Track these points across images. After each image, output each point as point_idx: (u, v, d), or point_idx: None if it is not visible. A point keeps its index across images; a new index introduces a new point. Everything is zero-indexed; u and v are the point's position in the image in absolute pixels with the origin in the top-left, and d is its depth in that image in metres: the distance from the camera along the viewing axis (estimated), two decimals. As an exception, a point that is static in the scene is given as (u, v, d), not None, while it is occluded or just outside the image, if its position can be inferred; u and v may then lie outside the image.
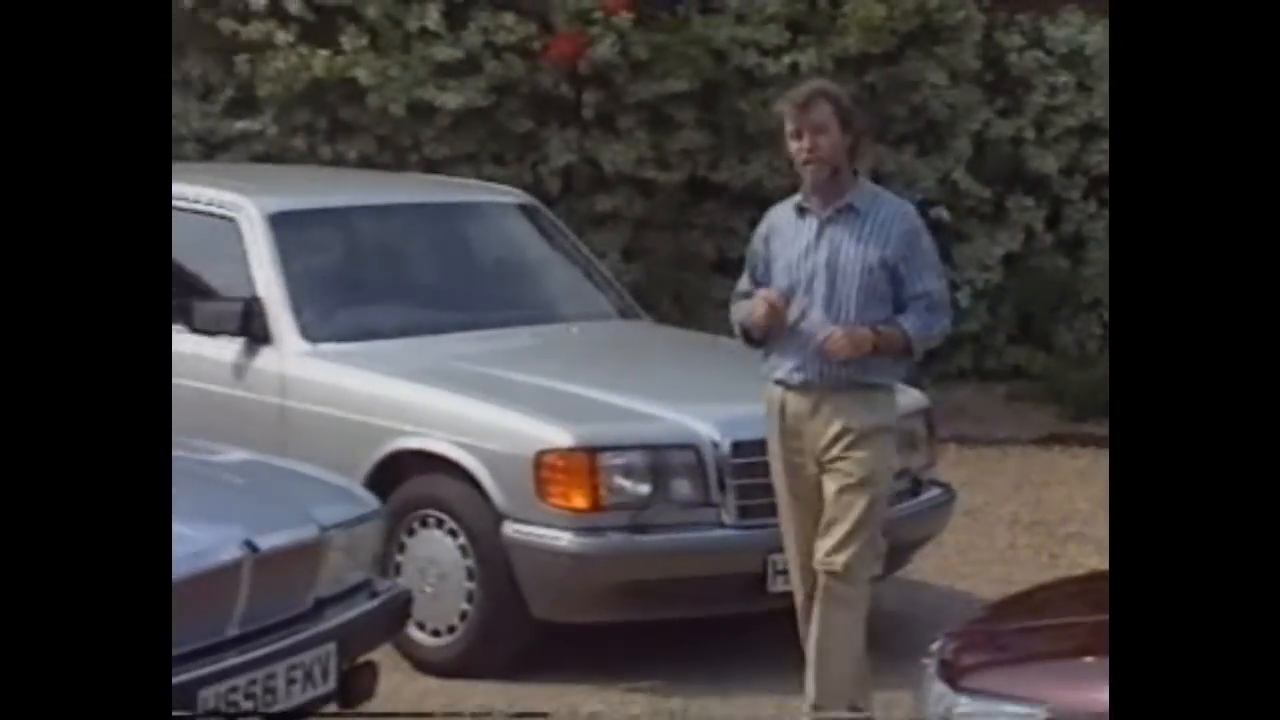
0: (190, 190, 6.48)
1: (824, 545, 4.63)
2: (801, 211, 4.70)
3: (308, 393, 5.85)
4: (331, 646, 4.38)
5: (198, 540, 4.20)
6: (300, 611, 4.38)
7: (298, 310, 6.00)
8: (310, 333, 5.97)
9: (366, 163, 8.53)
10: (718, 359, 6.67)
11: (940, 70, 9.01)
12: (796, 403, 4.67)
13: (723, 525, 5.52)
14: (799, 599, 4.82)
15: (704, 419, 5.56)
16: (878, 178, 8.93)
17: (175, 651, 4.03)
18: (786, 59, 8.58)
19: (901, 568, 6.05)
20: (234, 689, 4.12)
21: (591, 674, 5.48)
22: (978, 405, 9.15)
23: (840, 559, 4.61)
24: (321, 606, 4.45)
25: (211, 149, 8.67)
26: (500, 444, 5.46)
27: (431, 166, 8.46)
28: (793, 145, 4.63)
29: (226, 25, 8.55)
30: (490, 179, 8.04)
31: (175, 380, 6.00)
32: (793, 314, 4.64)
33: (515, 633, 5.50)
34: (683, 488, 5.55)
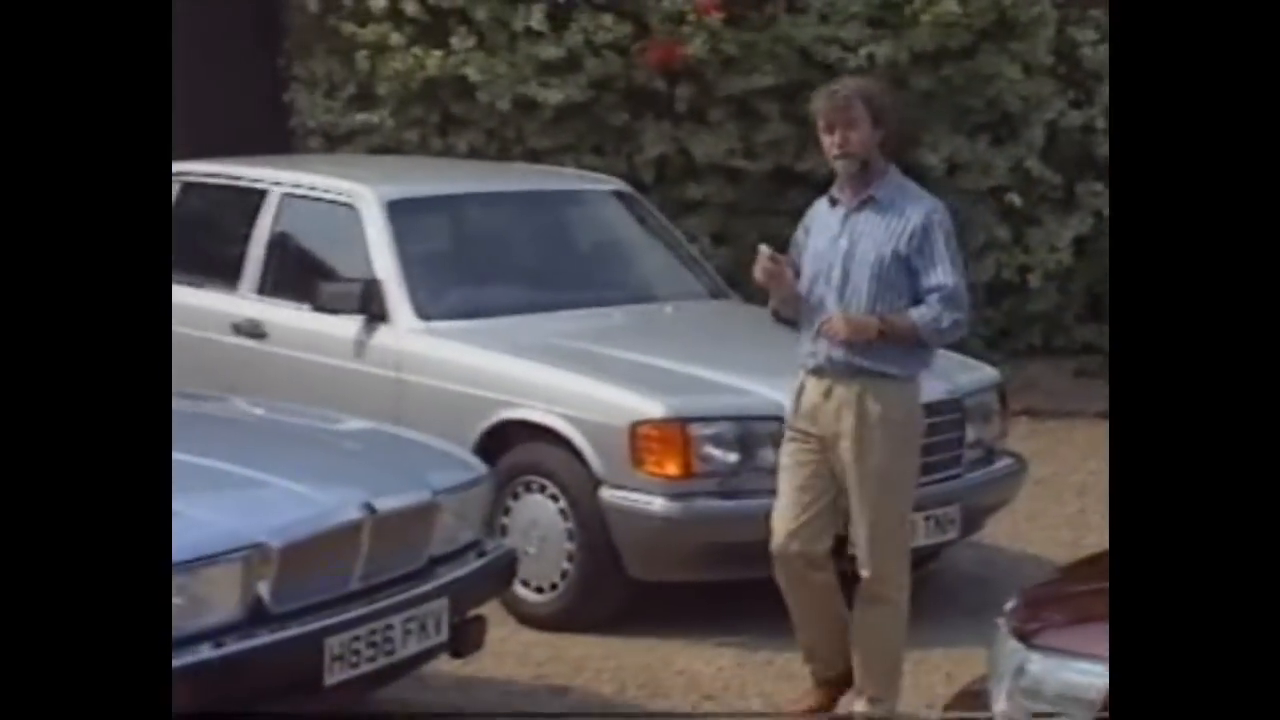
0: (315, 179, 6.57)
1: (862, 549, 4.51)
2: (833, 203, 4.60)
3: (421, 367, 5.89)
4: (444, 601, 4.41)
5: (322, 502, 4.27)
6: (415, 569, 4.41)
7: (412, 290, 6.04)
8: (424, 311, 6.02)
9: (475, 154, 8.58)
10: (802, 336, 6.66)
11: (1014, 64, 8.92)
12: (813, 387, 4.54)
13: (801, 493, 5.50)
14: (776, 561, 4.64)
15: (779, 390, 5.54)
16: (953, 166, 8.92)
17: (303, 603, 4.11)
18: (864, 51, 8.53)
19: (976, 532, 6.03)
20: (356, 638, 4.16)
21: (683, 630, 5.50)
22: (1048, 380, 9.07)
23: (869, 567, 4.50)
24: (434, 564, 4.48)
25: (334, 142, 8.75)
26: (599, 415, 5.48)
27: (535, 157, 8.49)
28: (825, 140, 4.51)
29: (348, 27, 8.61)
30: (589, 169, 8.05)
31: (300, 355, 6.19)
32: (813, 301, 4.51)
33: (612, 590, 5.53)
34: (768, 456, 5.52)
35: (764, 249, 4.55)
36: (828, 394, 4.49)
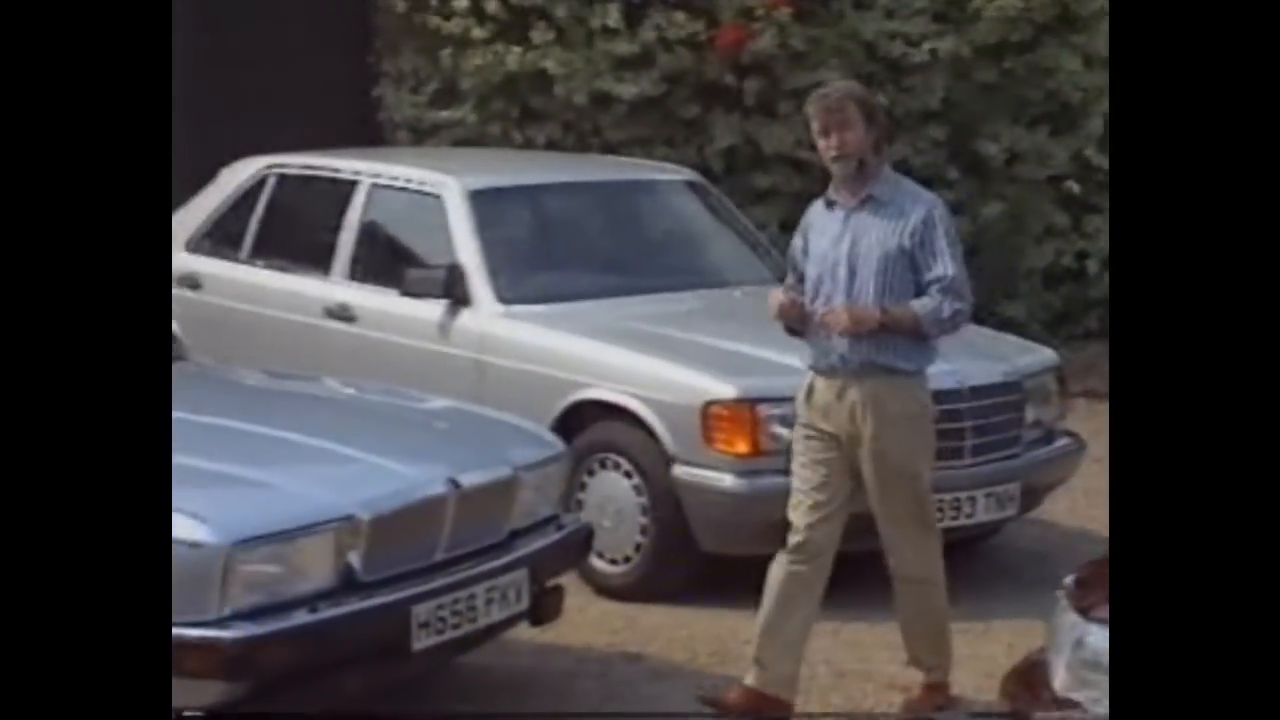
0: (401, 171, 6.61)
1: (885, 538, 4.50)
2: (830, 205, 4.48)
3: (502, 349, 5.93)
4: (524, 572, 4.45)
5: (409, 477, 4.30)
6: (497, 541, 4.44)
7: (494, 276, 6.08)
8: (504, 296, 6.05)
9: (553, 146, 8.60)
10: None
11: (1075, 56, 8.83)
12: (824, 387, 4.43)
13: (869, 469, 5.50)
14: (787, 551, 4.53)
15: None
16: (1013, 156, 8.85)
17: (392, 573, 4.15)
18: (927, 46, 8.48)
19: (1035, 508, 6.00)
20: (441, 606, 4.20)
21: (750, 601, 5.46)
22: (1106, 363, 8.99)
23: (904, 557, 4.50)
24: (515, 537, 4.51)
25: (419, 135, 8.81)
26: (671, 395, 5.50)
27: (610, 149, 8.50)
28: (820, 143, 4.41)
29: (433, 24, 8.66)
30: (662, 159, 8.06)
31: (388, 338, 6.24)
32: (820, 302, 4.41)
33: (683, 563, 5.54)
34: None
35: (775, 293, 4.52)
36: (841, 394, 4.40)
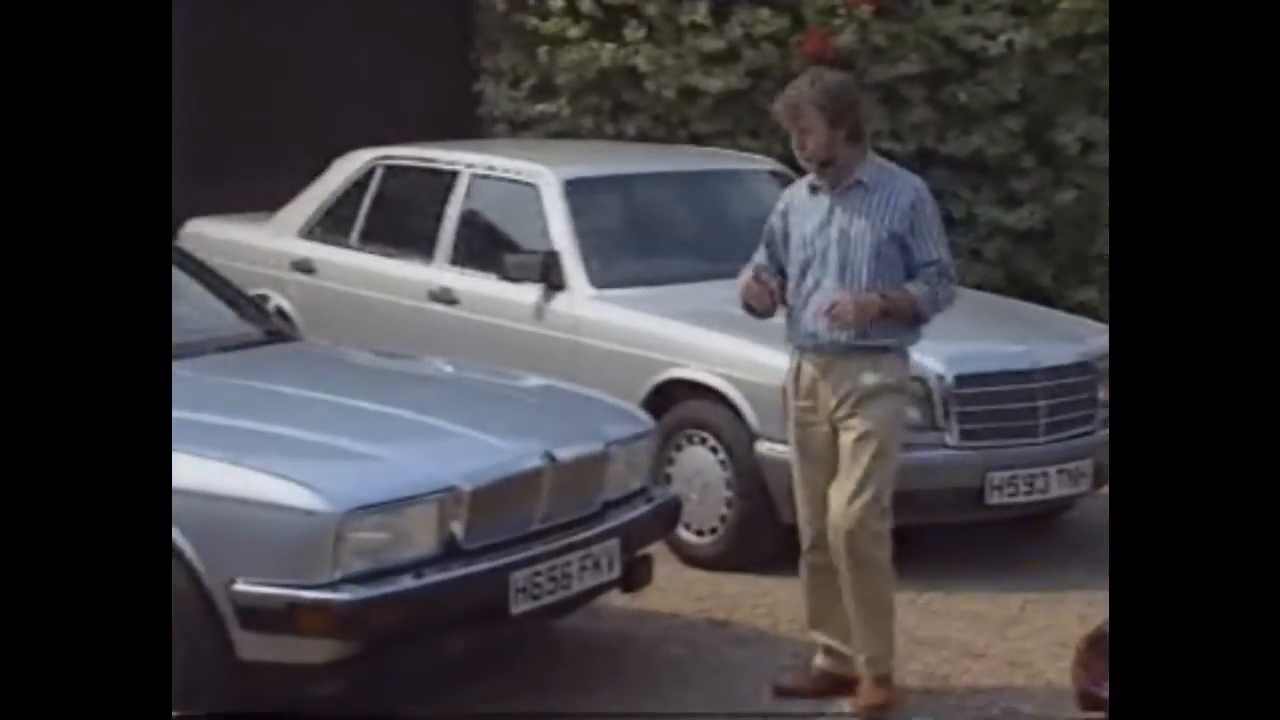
0: (501, 162, 6.65)
1: (836, 500, 4.28)
2: (814, 190, 4.34)
3: (595, 330, 5.94)
4: (616, 541, 4.46)
5: (508, 451, 4.33)
6: (590, 512, 4.45)
7: (587, 261, 6.10)
8: (597, 280, 6.07)
9: (643, 137, 8.59)
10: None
11: (1147, 49, 8.68)
12: (810, 366, 4.32)
13: (946, 446, 5.48)
14: (804, 551, 4.46)
15: (931, 355, 5.49)
16: (1086, 145, 8.73)
17: (492, 541, 4.18)
18: (1003, 38, 8.38)
19: (1104, 485, 5.93)
20: (538, 573, 4.22)
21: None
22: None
23: (851, 510, 4.25)
24: (607, 508, 4.52)
25: (517, 128, 8.83)
26: (755, 375, 5.48)
27: (697, 140, 8.48)
28: (793, 142, 4.34)
29: (531, 23, 8.69)
30: (746, 150, 8.03)
31: (487, 320, 6.28)
32: (808, 284, 4.29)
33: (766, 534, 5.53)
34: (911, 414, 5.49)
35: (748, 272, 4.38)
36: (826, 370, 4.29)
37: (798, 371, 4.37)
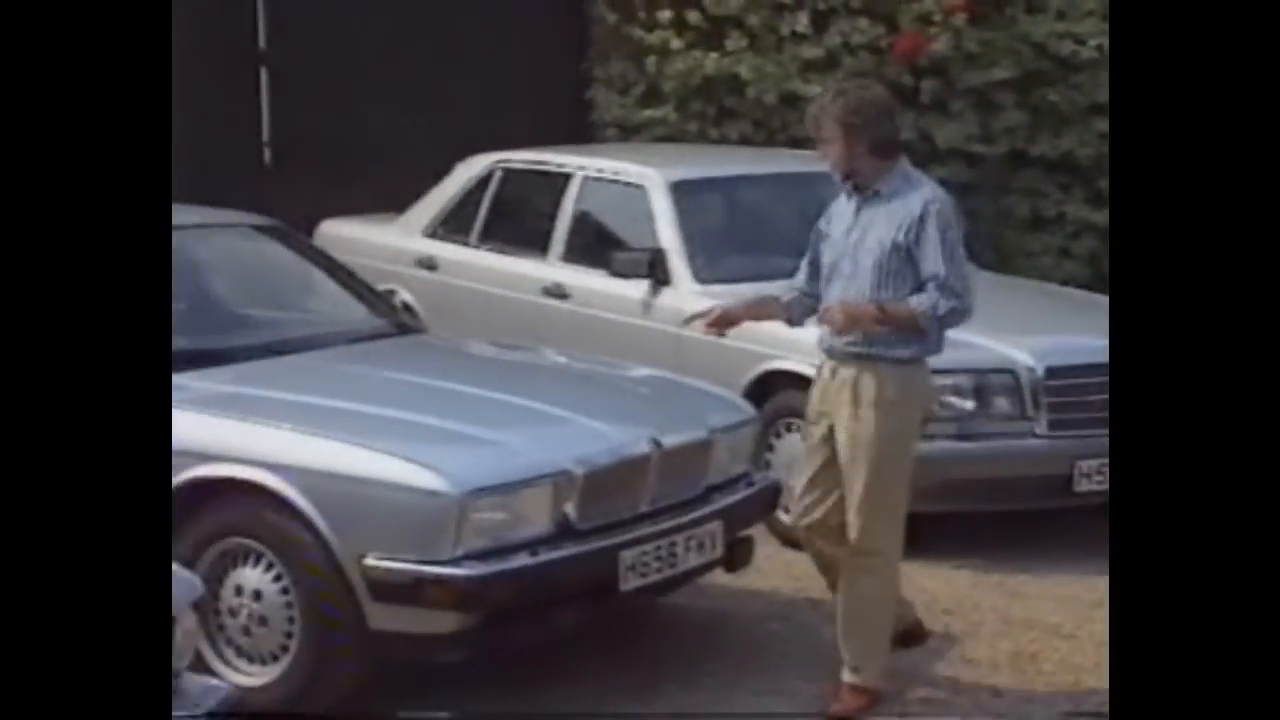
0: (611, 164, 6.67)
1: (851, 519, 4.11)
2: (849, 196, 4.21)
3: (699, 324, 5.94)
4: (719, 523, 4.46)
5: (618, 437, 4.35)
6: (694, 495, 4.46)
7: (692, 258, 6.10)
8: (701, 276, 6.07)
9: (745, 142, 8.57)
10: (1033, 299, 6.51)
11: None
12: (827, 368, 4.19)
13: (1035, 435, 5.43)
14: (801, 532, 4.30)
15: (1021, 348, 5.45)
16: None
17: (602, 522, 4.19)
18: (1093, 43, 8.25)
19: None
20: (645, 553, 4.24)
21: (924, 553, 5.44)
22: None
23: (854, 532, 4.10)
24: (710, 492, 4.52)
25: (626, 132, 8.85)
26: (852, 366, 5.45)
27: (797, 144, 8.41)
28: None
29: (639, 34, 8.71)
30: (845, 152, 7.97)
31: (597, 313, 6.31)
32: (829, 288, 4.15)
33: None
34: (1002, 404, 5.46)
35: (695, 321, 4.34)
36: (835, 374, 4.15)
37: (819, 373, 4.26)
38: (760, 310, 4.44)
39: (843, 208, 4.26)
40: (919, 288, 4.06)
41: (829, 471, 4.18)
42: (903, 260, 4.07)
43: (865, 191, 4.16)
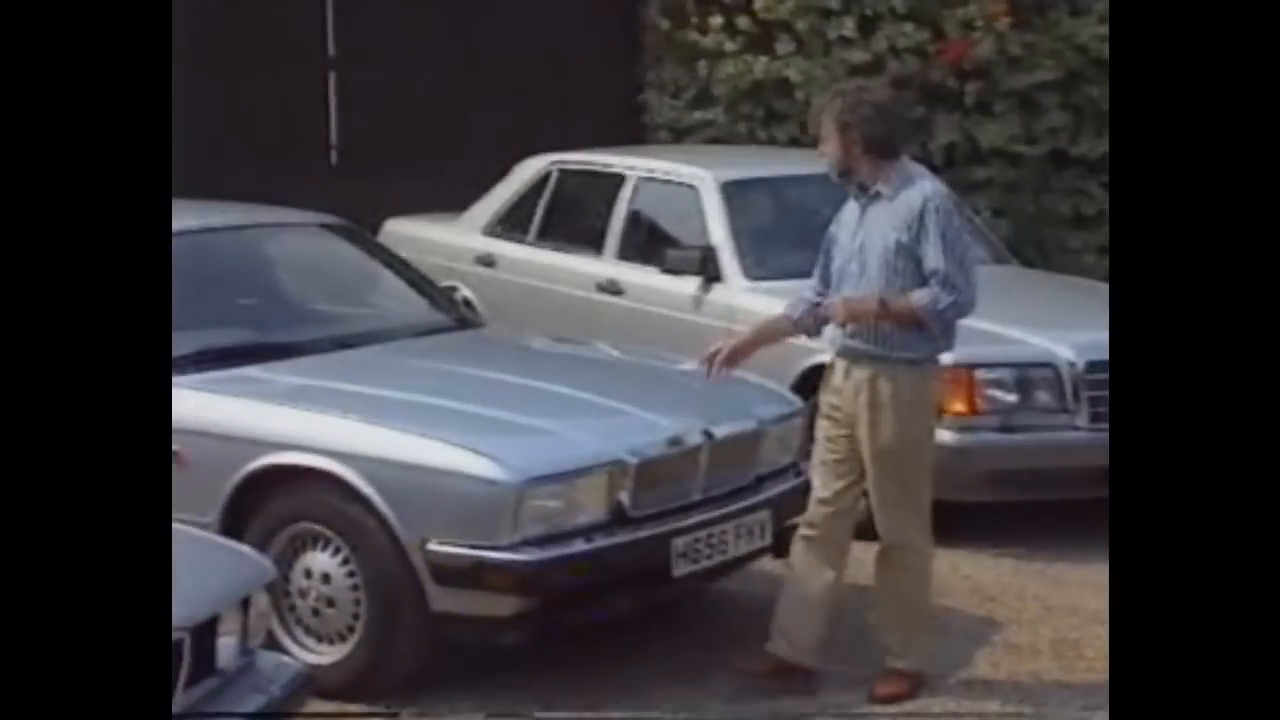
0: (664, 165, 6.67)
1: (878, 518, 4.10)
2: (855, 199, 4.18)
3: (749, 319, 5.87)
4: (768, 511, 4.46)
5: (669, 428, 4.35)
6: (744, 484, 4.46)
7: (742, 255, 6.09)
8: (751, 273, 6.06)
9: (793, 143, 8.53)
10: (1074, 295, 6.46)
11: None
12: (837, 368, 4.14)
13: (1076, 428, 5.39)
14: (799, 535, 4.23)
15: (1062, 343, 5.41)
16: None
17: (655, 510, 4.20)
18: (1136, 47, 8.15)
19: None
20: (697, 539, 4.24)
21: (967, 541, 5.43)
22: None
23: (889, 526, 4.08)
24: (760, 481, 4.52)
25: (678, 134, 8.85)
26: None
27: (844, 145, 8.41)
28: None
29: (691, 38, 8.71)
30: (890, 153, 7.93)
31: (650, 309, 6.31)
32: (839, 290, 4.11)
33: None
34: (1043, 398, 5.43)
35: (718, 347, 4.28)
36: (847, 375, 4.10)
37: (830, 371, 4.20)
38: (769, 334, 4.39)
39: (849, 211, 4.20)
40: (922, 284, 4.03)
41: (849, 464, 4.14)
42: (907, 259, 4.02)
43: (868, 192, 4.11)
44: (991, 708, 4.18)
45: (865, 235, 4.09)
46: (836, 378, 4.17)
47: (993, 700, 4.23)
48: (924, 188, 4.07)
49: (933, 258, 3.99)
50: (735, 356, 4.30)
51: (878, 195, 4.09)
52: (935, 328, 4.07)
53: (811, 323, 4.27)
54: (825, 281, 4.24)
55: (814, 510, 4.22)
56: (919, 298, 4.00)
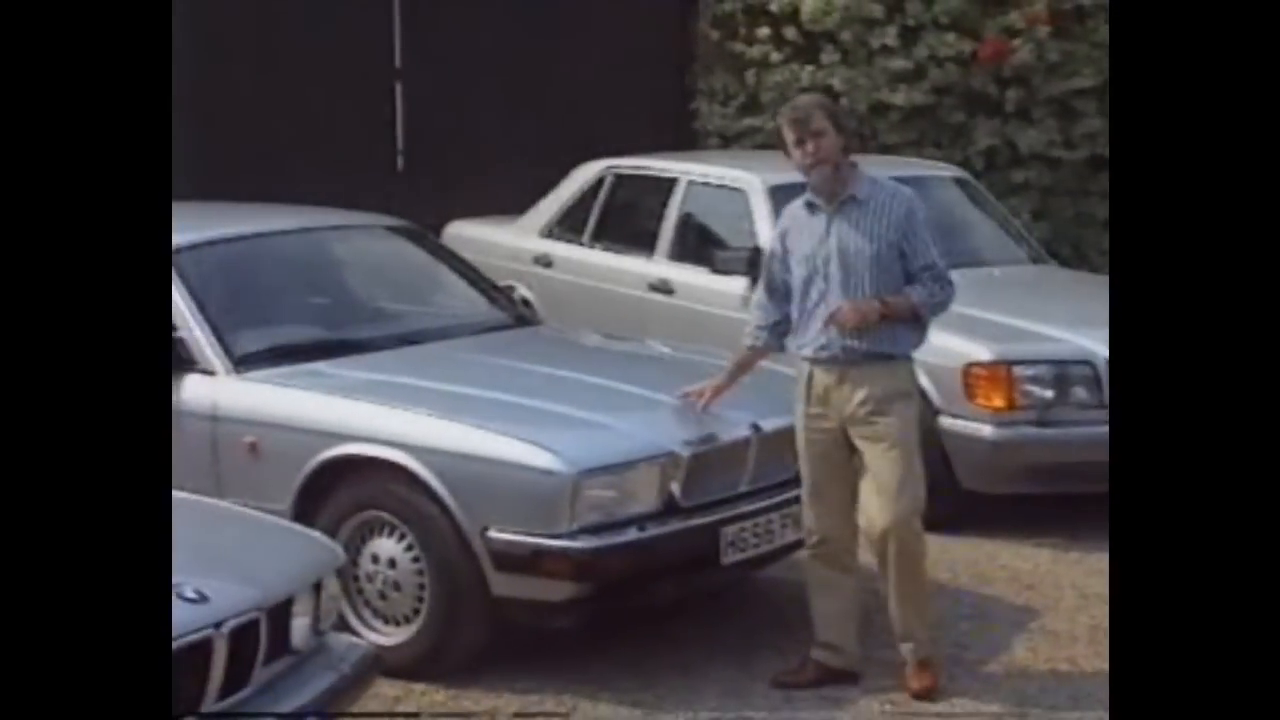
0: (713, 170, 6.66)
1: (876, 503, 3.98)
2: (811, 208, 4.03)
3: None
4: (813, 502, 4.44)
5: (720, 421, 4.32)
6: (790, 476, 4.39)
7: (788, 256, 6.07)
8: (797, 273, 6.03)
9: (838, 148, 8.51)
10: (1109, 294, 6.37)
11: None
12: (823, 376, 4.00)
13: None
14: (806, 555, 4.15)
15: (1099, 341, 5.35)
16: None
17: (705, 500, 4.18)
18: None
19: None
20: (744, 529, 4.23)
21: (1005, 532, 5.40)
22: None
23: (893, 512, 3.96)
24: (805, 472, 4.51)
25: (727, 141, 8.84)
26: (938, 358, 5.36)
27: (886, 150, 8.36)
28: (795, 153, 3.99)
29: (739, 48, 8.69)
30: (931, 159, 7.89)
31: (700, 307, 6.31)
32: (812, 299, 3.99)
33: (948, 498, 5.39)
34: (1079, 393, 5.37)
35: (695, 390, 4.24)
36: (840, 380, 3.98)
37: (809, 381, 4.05)
38: (742, 368, 4.33)
39: (802, 221, 4.06)
40: (907, 281, 3.98)
41: (840, 468, 4.05)
42: (894, 258, 3.97)
43: (840, 197, 4.00)
44: (1030, 692, 4.14)
45: (842, 239, 3.98)
46: (822, 383, 4.03)
47: (1029, 685, 4.20)
48: (903, 190, 4.06)
49: (925, 253, 3.98)
50: (717, 395, 4.30)
51: (852, 200, 4.00)
52: (929, 319, 4.05)
53: (776, 342, 4.20)
54: (780, 300, 4.12)
55: (817, 523, 4.10)
56: (919, 295, 3.97)
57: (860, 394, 3.99)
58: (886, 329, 3.98)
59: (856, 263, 3.97)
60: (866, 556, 4.15)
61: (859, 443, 4.02)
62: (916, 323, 4.04)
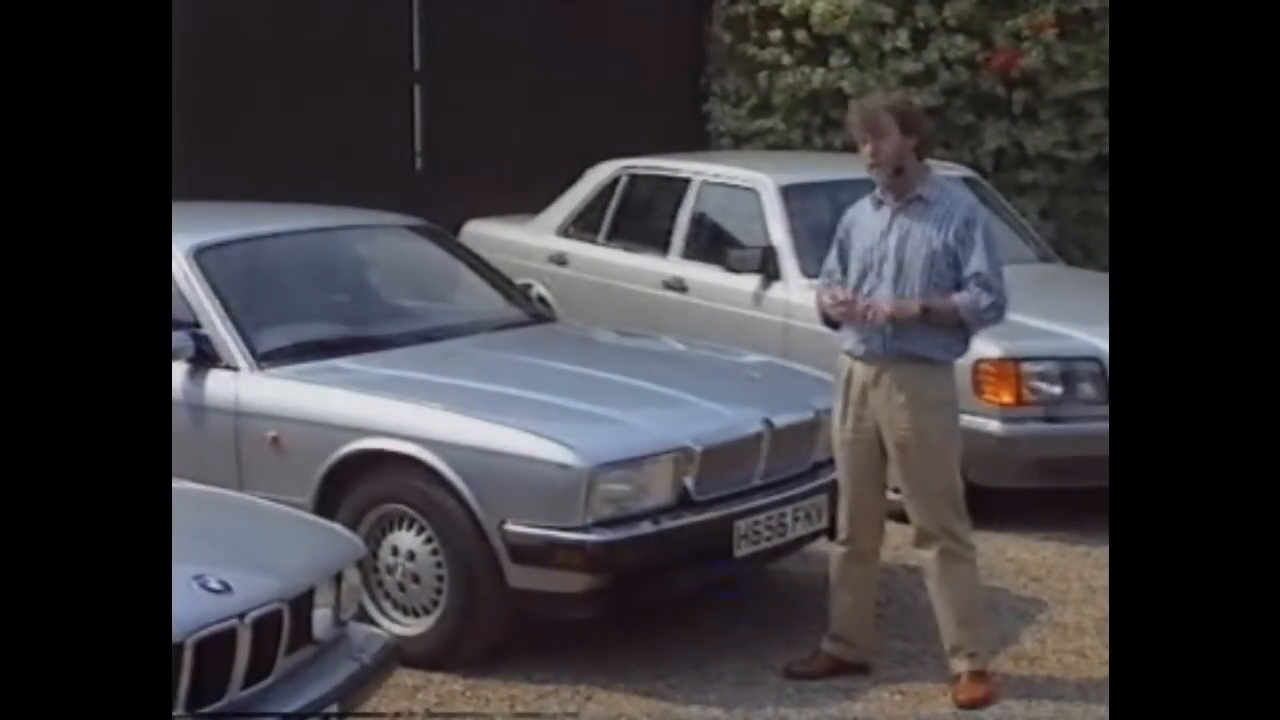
0: (726, 170, 6.65)
1: (917, 509, 3.94)
2: (878, 204, 3.99)
3: (806, 314, 5.84)
4: (825, 496, 4.41)
5: (732, 417, 4.34)
6: (802, 470, 4.43)
7: (800, 255, 6.06)
8: (809, 271, 5.99)
9: (849, 149, 8.47)
10: (1116, 293, 6.34)
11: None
12: (862, 372, 3.95)
13: (1118, 419, 5.29)
14: (837, 550, 4.10)
15: (1105, 337, 5.31)
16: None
17: (718, 494, 4.19)
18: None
19: None
20: (757, 522, 4.23)
21: (1014, 525, 5.38)
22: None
23: (935, 518, 3.93)
24: (817, 468, 4.48)
25: (739, 141, 8.83)
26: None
27: (896, 150, 8.34)
28: (861, 150, 3.94)
29: (752, 51, 8.68)
30: (940, 159, 7.85)
31: (713, 305, 6.31)
32: (863, 294, 3.93)
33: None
34: (1086, 389, 5.36)
35: (838, 292, 4.00)
36: (878, 378, 3.93)
37: (849, 378, 4.00)
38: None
39: (866, 216, 4.03)
40: (957, 287, 3.92)
41: (872, 468, 4.00)
42: (949, 262, 3.92)
43: (907, 196, 3.96)
44: (1038, 684, 4.13)
45: (900, 237, 3.94)
46: (861, 381, 3.97)
47: (1038, 675, 4.18)
48: (967, 197, 4.05)
49: (976, 261, 3.91)
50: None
51: (919, 199, 3.95)
52: (974, 327, 3.99)
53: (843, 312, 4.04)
54: (836, 284, 4.06)
55: (849, 521, 4.07)
56: (962, 299, 3.90)
57: (899, 398, 3.92)
58: (927, 331, 3.91)
59: (910, 262, 3.92)
60: (884, 552, 4.14)
61: (897, 445, 3.94)
62: (960, 330, 3.96)
